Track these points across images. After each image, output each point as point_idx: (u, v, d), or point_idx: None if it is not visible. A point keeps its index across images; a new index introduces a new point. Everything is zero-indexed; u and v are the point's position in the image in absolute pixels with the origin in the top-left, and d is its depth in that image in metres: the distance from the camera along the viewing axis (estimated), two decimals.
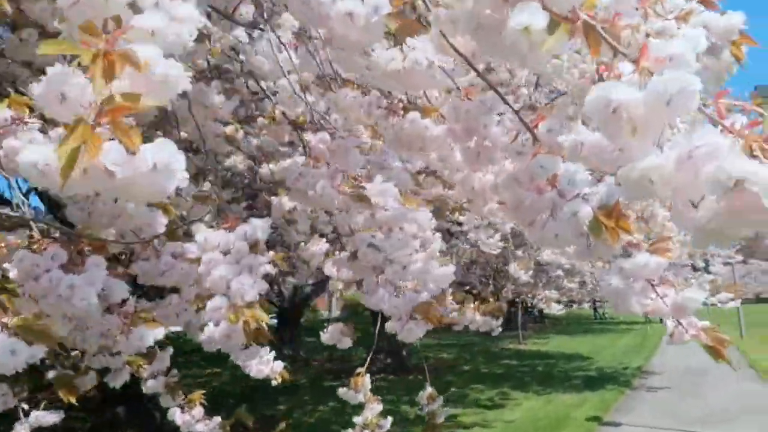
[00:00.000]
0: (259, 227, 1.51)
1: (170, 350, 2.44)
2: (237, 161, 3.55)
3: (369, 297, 1.85)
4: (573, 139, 0.95)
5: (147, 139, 0.83)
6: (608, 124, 0.72)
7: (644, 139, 0.71)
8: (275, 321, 18.47)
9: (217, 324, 1.48)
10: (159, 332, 1.54)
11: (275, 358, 2.26)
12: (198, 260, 1.79)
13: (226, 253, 1.49)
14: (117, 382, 2.23)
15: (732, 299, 9.61)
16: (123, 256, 2.09)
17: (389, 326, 1.86)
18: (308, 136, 1.91)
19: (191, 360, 11.91)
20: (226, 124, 3.37)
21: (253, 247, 1.50)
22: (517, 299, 14.61)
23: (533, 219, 1.18)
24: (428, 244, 2.63)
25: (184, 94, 2.43)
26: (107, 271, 1.50)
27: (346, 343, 2.93)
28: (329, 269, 3.32)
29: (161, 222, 2.05)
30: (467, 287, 12.39)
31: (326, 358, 14.02)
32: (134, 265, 1.95)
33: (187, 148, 3.72)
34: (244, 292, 1.41)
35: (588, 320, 27.16)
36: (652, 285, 1.36)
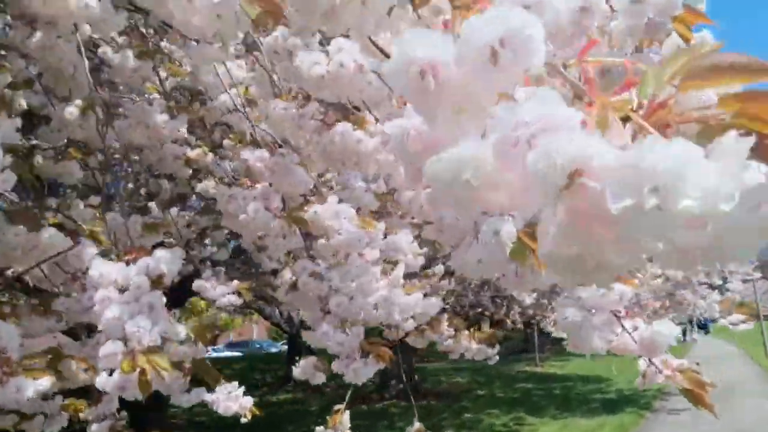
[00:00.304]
0: (163, 259, 1.31)
1: None
2: (209, 186, 3.36)
3: (312, 332, 1.64)
4: (398, 126, 0.59)
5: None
6: (418, 99, 0.45)
7: (469, 120, 0.45)
8: (286, 347, 18.28)
9: (110, 373, 1.28)
10: (43, 382, 1.33)
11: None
12: None
13: (124, 290, 1.29)
14: (53, 428, 2.02)
15: (743, 321, 9.18)
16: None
17: (335, 366, 1.64)
18: (245, 154, 1.72)
19: None
20: (194, 147, 3.21)
21: (156, 282, 1.30)
22: (532, 321, 14.25)
23: (458, 240, 0.96)
24: (406, 269, 2.42)
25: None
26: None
27: (320, 378, 2.70)
28: None
29: (89, 253, 1.86)
30: (480, 309, 12.11)
31: (339, 384, 13.76)
32: (56, 302, 1.77)
33: (158, 174, 3.58)
34: (140, 336, 1.21)
35: None
36: (617, 317, 1.13)
